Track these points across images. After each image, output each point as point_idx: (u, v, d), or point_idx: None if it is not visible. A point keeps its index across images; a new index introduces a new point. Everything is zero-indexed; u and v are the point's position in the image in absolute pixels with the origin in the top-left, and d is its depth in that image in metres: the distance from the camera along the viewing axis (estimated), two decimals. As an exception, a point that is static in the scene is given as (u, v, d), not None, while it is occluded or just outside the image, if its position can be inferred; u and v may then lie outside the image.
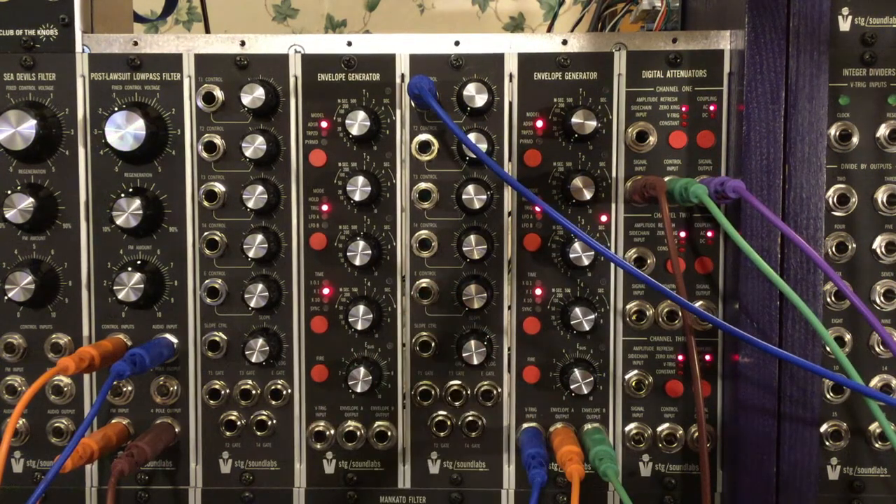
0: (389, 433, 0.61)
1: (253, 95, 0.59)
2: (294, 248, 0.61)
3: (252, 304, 0.60)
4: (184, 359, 0.62)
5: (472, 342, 0.60)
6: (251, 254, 0.60)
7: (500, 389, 0.62)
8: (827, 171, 0.57)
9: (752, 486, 0.57)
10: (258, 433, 0.62)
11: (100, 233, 0.61)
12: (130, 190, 0.61)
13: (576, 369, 0.60)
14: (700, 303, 0.61)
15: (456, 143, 0.60)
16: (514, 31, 1.39)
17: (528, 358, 0.62)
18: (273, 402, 0.62)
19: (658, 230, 0.61)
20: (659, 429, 0.61)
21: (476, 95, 0.59)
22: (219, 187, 0.60)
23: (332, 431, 0.62)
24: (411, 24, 1.37)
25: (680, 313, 0.60)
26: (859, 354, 0.59)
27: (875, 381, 0.59)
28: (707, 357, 0.61)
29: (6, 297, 0.59)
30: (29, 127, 0.58)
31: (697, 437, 0.59)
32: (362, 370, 0.60)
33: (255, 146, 0.59)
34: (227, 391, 0.62)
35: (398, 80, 0.61)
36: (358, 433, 0.61)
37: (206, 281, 0.61)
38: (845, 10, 0.58)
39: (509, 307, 0.61)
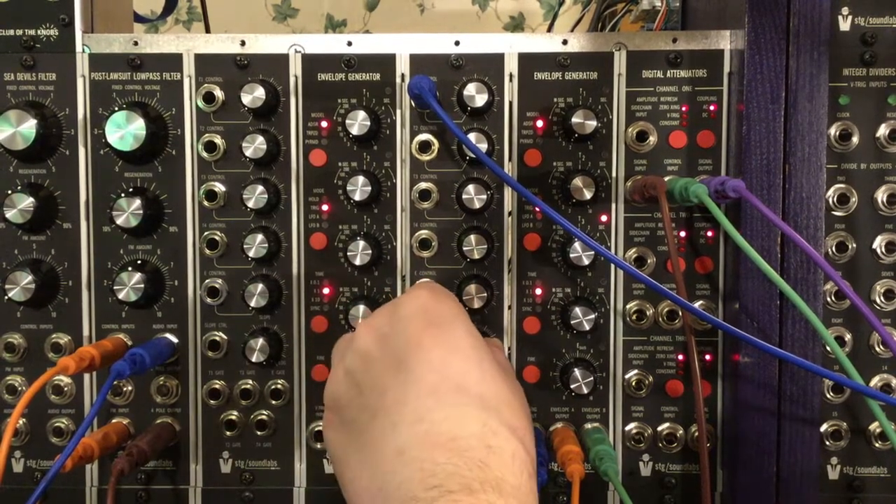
0: (389, 433, 0.61)
1: (253, 95, 0.59)
2: (294, 248, 0.61)
3: (252, 304, 0.60)
4: (184, 358, 0.62)
5: (473, 342, 0.59)
6: (251, 254, 0.60)
7: (500, 389, 0.61)
8: (827, 170, 0.57)
9: (752, 486, 0.57)
10: (258, 433, 0.62)
11: (100, 232, 0.61)
12: (130, 190, 0.61)
13: (576, 369, 0.60)
14: (700, 303, 0.61)
15: (456, 142, 0.60)
16: (514, 31, 1.39)
17: (528, 358, 0.62)
18: (273, 402, 0.62)
19: (658, 230, 0.61)
20: (659, 428, 0.61)
21: (476, 95, 0.59)
22: (219, 187, 0.60)
23: (333, 431, 0.62)
24: (411, 23, 1.37)
25: (680, 313, 0.60)
26: (859, 354, 0.59)
27: (875, 381, 0.59)
28: (707, 357, 0.61)
29: (6, 297, 0.59)
30: (29, 127, 0.58)
31: (697, 437, 0.59)
32: (362, 370, 0.59)
33: (255, 146, 0.59)
34: (228, 391, 0.62)
35: (398, 80, 0.61)
36: (358, 433, 0.61)
37: (206, 281, 0.61)
38: (845, 10, 0.58)
39: (509, 307, 0.61)
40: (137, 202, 0.59)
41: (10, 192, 0.59)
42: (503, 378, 0.43)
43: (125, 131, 0.58)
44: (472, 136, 0.59)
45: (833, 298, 0.59)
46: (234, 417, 0.62)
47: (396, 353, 0.43)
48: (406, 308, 0.45)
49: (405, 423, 0.39)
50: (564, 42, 0.61)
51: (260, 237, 0.59)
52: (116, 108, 0.59)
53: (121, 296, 0.59)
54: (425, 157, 0.61)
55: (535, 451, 0.41)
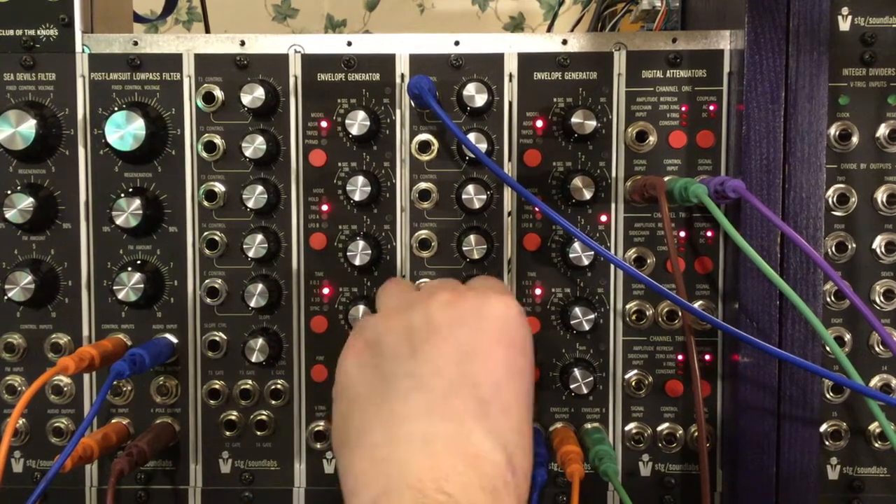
0: (389, 433, 0.61)
1: (253, 95, 0.59)
2: (294, 248, 0.61)
3: (252, 304, 0.60)
4: (184, 359, 0.62)
5: (472, 342, 0.59)
6: (251, 254, 0.60)
7: (499, 389, 0.61)
8: (827, 170, 0.57)
9: (752, 486, 0.57)
10: (258, 433, 0.62)
11: (100, 233, 0.61)
12: (130, 190, 0.61)
13: (575, 369, 0.60)
14: (700, 303, 0.61)
15: (456, 142, 0.60)
16: (514, 31, 1.39)
17: (528, 358, 0.62)
18: (273, 402, 0.62)
19: (658, 230, 0.61)
20: (659, 428, 0.61)
21: (476, 95, 0.59)
22: (219, 187, 0.60)
23: (332, 431, 0.62)
24: (411, 23, 1.37)
25: (679, 313, 0.60)
26: (859, 354, 0.59)
27: (875, 381, 0.59)
28: (707, 357, 0.61)
29: (6, 297, 0.59)
30: (29, 127, 0.58)
31: (697, 437, 0.59)
32: (362, 370, 0.59)
33: (254, 146, 0.59)
34: (227, 391, 0.62)
35: (398, 80, 0.61)
36: (358, 433, 0.61)
37: (206, 281, 0.61)
38: (845, 10, 0.58)
39: (509, 307, 0.61)
40: (137, 202, 0.59)
41: (9, 192, 0.59)
42: (529, 418, 0.43)
43: (125, 131, 0.58)
44: (471, 136, 0.59)
45: (833, 298, 0.59)
46: (233, 417, 0.62)
47: (468, 343, 0.42)
48: (492, 310, 0.44)
49: (444, 417, 0.39)
50: (564, 42, 0.61)
51: (260, 237, 0.59)
52: (116, 108, 0.59)
53: (120, 296, 0.59)
54: (425, 157, 0.61)
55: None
